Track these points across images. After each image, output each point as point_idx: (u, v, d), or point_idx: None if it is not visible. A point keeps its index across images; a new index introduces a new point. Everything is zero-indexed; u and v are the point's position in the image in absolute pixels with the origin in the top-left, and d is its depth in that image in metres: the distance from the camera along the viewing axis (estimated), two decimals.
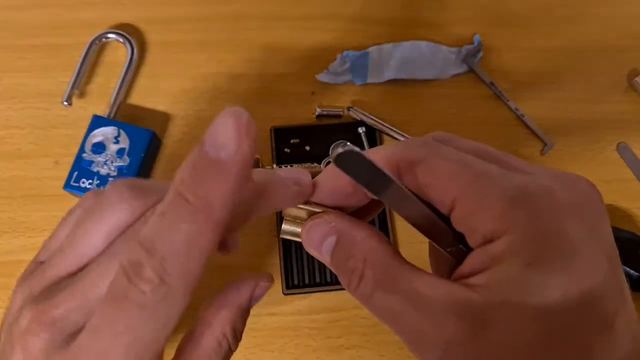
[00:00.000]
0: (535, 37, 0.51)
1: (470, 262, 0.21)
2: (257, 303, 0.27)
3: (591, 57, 0.50)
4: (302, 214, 0.25)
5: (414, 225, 0.23)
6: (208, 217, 0.19)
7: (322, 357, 0.42)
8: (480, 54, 0.50)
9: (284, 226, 0.26)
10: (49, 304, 0.23)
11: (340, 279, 0.24)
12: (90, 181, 0.43)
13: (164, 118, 0.48)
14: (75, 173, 0.43)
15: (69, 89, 0.47)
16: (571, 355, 0.19)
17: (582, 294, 0.19)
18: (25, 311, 0.24)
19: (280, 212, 0.27)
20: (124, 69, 0.48)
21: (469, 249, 0.22)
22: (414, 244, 0.44)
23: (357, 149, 0.22)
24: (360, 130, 0.46)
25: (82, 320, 0.22)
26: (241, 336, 0.27)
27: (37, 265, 0.26)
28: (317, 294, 0.43)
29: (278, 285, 0.43)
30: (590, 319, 0.19)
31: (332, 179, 0.25)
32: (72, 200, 0.45)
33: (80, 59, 0.48)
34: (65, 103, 0.46)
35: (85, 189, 0.43)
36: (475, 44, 0.50)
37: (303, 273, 0.43)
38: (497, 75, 0.49)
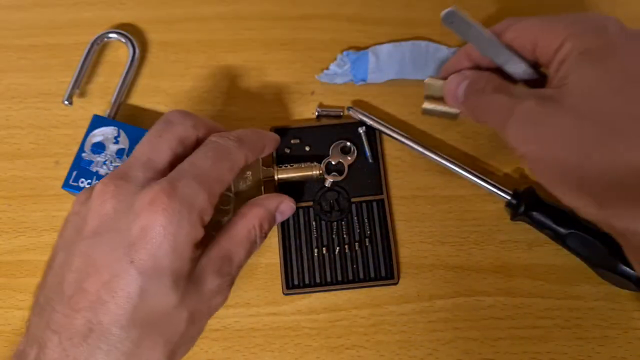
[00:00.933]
0: None
1: (550, 80, 0.32)
2: (279, 218, 0.39)
3: None
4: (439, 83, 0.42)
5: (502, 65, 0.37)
6: (265, 136, 0.41)
7: (322, 357, 0.42)
8: None
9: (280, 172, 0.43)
10: (114, 173, 0.33)
11: (469, 102, 0.37)
12: (89, 181, 0.43)
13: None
14: (75, 172, 0.43)
15: (69, 89, 0.47)
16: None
17: (632, 68, 0.29)
18: (95, 187, 0.33)
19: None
20: (125, 69, 0.48)
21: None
22: (415, 244, 0.44)
23: (452, 8, 0.35)
24: (360, 130, 0.46)
25: (149, 176, 0.32)
26: (266, 235, 0.37)
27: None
28: (317, 294, 0.43)
29: (278, 285, 0.43)
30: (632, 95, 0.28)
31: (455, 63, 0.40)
32: (73, 199, 0.45)
33: (82, 59, 0.48)
34: (66, 102, 0.46)
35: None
36: None
37: (303, 273, 0.43)
38: None
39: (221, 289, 0.33)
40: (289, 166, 0.44)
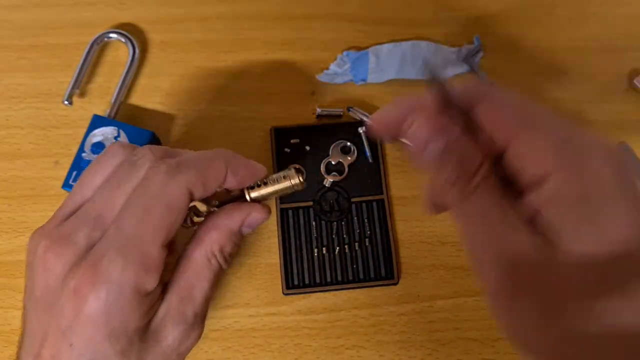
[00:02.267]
0: (535, 37, 0.51)
1: (525, 205, 0.23)
2: (248, 231, 0.33)
3: (591, 57, 0.50)
4: (262, 183, 0.34)
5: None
6: (227, 157, 0.32)
7: (322, 357, 0.42)
8: (480, 54, 0.50)
9: (253, 194, 0.34)
10: (59, 229, 0.29)
11: (444, 171, 0.25)
12: None
13: (164, 118, 0.48)
14: (74, 172, 0.43)
15: (69, 89, 0.47)
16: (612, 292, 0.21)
17: (627, 236, 0.21)
18: (40, 243, 0.29)
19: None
20: (125, 69, 0.48)
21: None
22: (415, 244, 0.44)
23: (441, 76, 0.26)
24: (360, 130, 0.46)
25: (96, 235, 0.28)
26: (231, 258, 0.32)
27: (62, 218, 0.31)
28: (317, 294, 0.43)
29: (278, 285, 0.43)
30: (624, 262, 0.21)
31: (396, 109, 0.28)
32: None
33: (82, 59, 0.48)
34: (66, 102, 0.46)
35: None
36: (476, 44, 0.50)
37: (303, 273, 0.43)
38: (497, 75, 0.49)
39: (189, 332, 0.30)
40: (261, 183, 0.34)
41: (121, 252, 0.27)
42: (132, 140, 0.44)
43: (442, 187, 0.25)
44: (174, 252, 0.32)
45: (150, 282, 0.28)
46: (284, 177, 0.34)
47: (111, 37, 0.50)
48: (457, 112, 0.24)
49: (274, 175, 0.34)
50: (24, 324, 0.30)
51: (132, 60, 0.48)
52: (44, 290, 0.29)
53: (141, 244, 0.28)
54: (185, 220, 0.32)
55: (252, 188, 0.34)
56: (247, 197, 0.33)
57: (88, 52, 0.48)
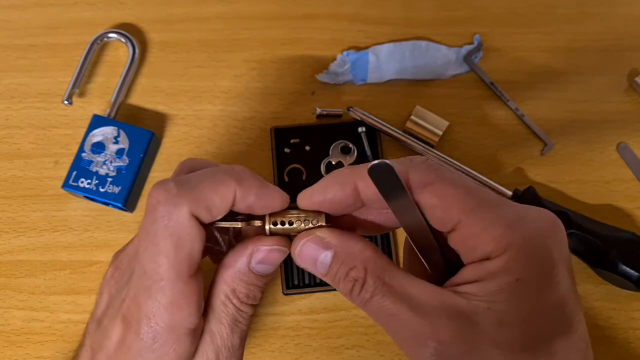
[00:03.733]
0: (535, 37, 0.51)
1: (463, 274, 0.25)
2: (265, 269, 0.29)
3: (591, 57, 0.50)
4: (290, 217, 0.28)
5: (410, 235, 0.26)
6: (235, 178, 0.27)
7: (322, 357, 0.42)
8: (480, 54, 0.50)
9: (272, 227, 0.28)
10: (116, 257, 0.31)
11: (338, 287, 0.26)
12: (89, 181, 0.43)
13: (164, 118, 0.48)
14: (74, 172, 0.43)
15: (69, 89, 0.47)
16: (536, 349, 0.23)
17: (559, 297, 0.23)
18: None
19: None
20: (125, 69, 0.48)
21: (454, 264, 0.26)
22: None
23: (388, 161, 0.24)
24: (360, 130, 0.46)
25: None
26: (249, 300, 0.29)
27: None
28: (317, 294, 0.43)
29: (278, 285, 0.43)
30: (559, 324, 0.23)
31: (334, 189, 0.27)
32: (72, 199, 0.45)
33: (81, 59, 0.48)
34: (66, 102, 0.46)
35: (84, 189, 0.43)
36: (475, 44, 0.50)
37: (303, 273, 0.43)
38: (497, 75, 0.49)
39: None
40: (285, 222, 0.29)
41: (149, 294, 0.26)
42: (132, 140, 0.44)
43: (345, 296, 0.26)
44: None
45: (187, 318, 0.27)
46: (311, 221, 0.28)
47: (111, 37, 0.50)
48: (399, 198, 0.25)
49: (301, 214, 0.28)
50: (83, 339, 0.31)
51: (132, 60, 0.48)
52: (101, 317, 0.29)
53: (164, 283, 0.26)
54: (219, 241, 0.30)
55: (274, 224, 0.29)
56: (266, 229, 0.29)
57: (88, 52, 0.48)
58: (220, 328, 0.28)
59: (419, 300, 0.24)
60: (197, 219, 0.26)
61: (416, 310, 0.24)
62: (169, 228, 0.26)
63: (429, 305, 0.24)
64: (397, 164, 0.25)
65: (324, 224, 0.28)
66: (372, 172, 0.24)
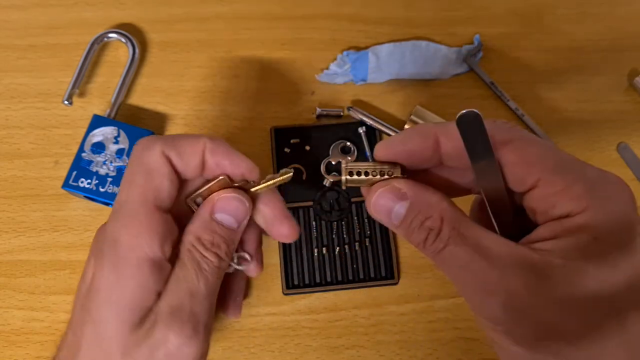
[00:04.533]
0: (535, 37, 0.51)
1: (539, 232, 0.24)
2: (227, 219, 0.30)
3: (591, 57, 0.50)
4: (365, 167, 0.28)
5: (485, 192, 0.26)
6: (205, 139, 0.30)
7: (322, 357, 0.41)
8: (480, 54, 0.50)
9: (348, 177, 0.28)
10: None
11: (411, 238, 0.26)
12: (89, 181, 0.43)
13: (164, 118, 0.48)
14: (74, 172, 0.43)
15: (69, 89, 0.47)
16: (611, 319, 0.22)
17: (632, 272, 0.23)
18: None
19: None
20: (125, 69, 0.48)
21: (524, 226, 0.26)
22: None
23: (476, 111, 0.25)
24: (360, 130, 0.46)
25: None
26: (214, 248, 0.30)
27: None
28: (317, 294, 0.43)
29: (278, 285, 0.43)
30: (634, 294, 0.23)
31: (414, 140, 0.27)
32: (72, 199, 0.45)
33: (82, 59, 0.48)
34: (66, 102, 0.46)
35: (84, 189, 0.43)
36: (475, 44, 0.50)
37: (303, 273, 0.43)
38: (497, 75, 0.49)
39: (180, 341, 0.28)
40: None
41: (115, 218, 0.29)
42: (132, 140, 0.44)
43: (416, 246, 0.26)
44: None
45: (147, 245, 0.28)
46: (387, 172, 0.28)
47: (111, 37, 0.50)
48: (483, 149, 0.25)
49: (377, 166, 0.29)
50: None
51: (132, 60, 0.48)
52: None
53: (131, 208, 0.28)
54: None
55: (350, 174, 0.29)
56: (342, 179, 0.29)
57: (88, 52, 0.48)
58: (185, 273, 0.29)
59: (492, 252, 0.24)
60: (170, 161, 0.29)
61: (489, 260, 0.24)
62: (141, 164, 0.29)
63: (502, 256, 0.24)
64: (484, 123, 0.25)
65: (399, 175, 0.28)
66: (460, 121, 0.24)
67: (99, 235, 0.30)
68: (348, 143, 0.46)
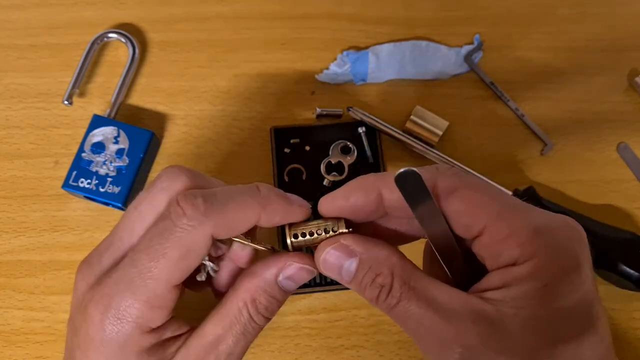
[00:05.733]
0: (535, 37, 0.51)
1: (488, 280, 0.24)
2: (290, 286, 0.29)
3: (591, 57, 0.50)
4: (310, 228, 0.28)
5: (433, 242, 0.26)
6: (261, 202, 0.28)
7: (321, 357, 0.41)
8: (480, 54, 0.50)
9: (293, 240, 0.28)
10: (91, 253, 0.29)
11: (364, 294, 0.26)
12: (89, 181, 0.43)
13: (164, 118, 0.48)
14: (74, 172, 0.43)
15: (69, 89, 0.47)
16: (562, 347, 0.23)
17: (584, 298, 0.24)
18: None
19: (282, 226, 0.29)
20: (125, 69, 0.48)
21: (475, 271, 0.26)
22: (414, 244, 0.44)
23: (415, 169, 0.25)
24: (360, 130, 0.46)
25: (118, 257, 0.28)
26: (267, 313, 0.28)
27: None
28: (317, 294, 0.43)
29: None
30: (584, 324, 0.23)
31: (357, 194, 0.27)
32: (72, 199, 0.45)
33: (82, 59, 0.48)
34: (66, 102, 0.46)
35: (84, 189, 0.43)
36: (475, 44, 0.50)
37: None
38: (497, 75, 0.49)
39: None
40: (306, 233, 0.29)
41: (131, 286, 0.26)
42: (132, 140, 0.44)
43: (370, 302, 0.26)
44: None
45: (155, 320, 0.27)
46: (332, 228, 0.28)
47: (111, 37, 0.50)
48: (426, 204, 0.25)
49: (320, 223, 0.28)
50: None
51: (132, 60, 0.48)
52: (72, 309, 0.29)
53: (150, 282, 0.26)
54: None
55: (295, 237, 0.28)
56: (288, 242, 0.28)
57: (88, 52, 0.48)
58: (227, 335, 0.28)
59: (445, 305, 0.24)
60: (213, 238, 0.27)
61: (442, 314, 0.24)
62: (182, 239, 0.26)
63: (455, 310, 0.24)
64: (424, 172, 0.25)
65: (344, 230, 0.27)
66: (399, 179, 0.24)
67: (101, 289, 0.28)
68: (348, 143, 0.46)
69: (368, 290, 0.26)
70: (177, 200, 0.27)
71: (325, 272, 0.27)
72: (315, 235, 0.28)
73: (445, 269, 0.27)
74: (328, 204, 0.28)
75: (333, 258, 0.26)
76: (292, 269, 0.28)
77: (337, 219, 0.28)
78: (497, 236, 0.24)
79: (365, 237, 0.27)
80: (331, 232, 0.27)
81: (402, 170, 0.24)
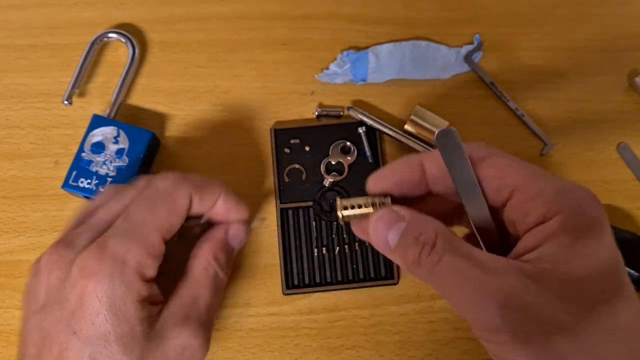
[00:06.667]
0: (535, 37, 0.51)
1: (522, 244, 0.26)
2: (240, 244, 0.38)
3: (591, 57, 0.50)
4: (358, 202, 0.30)
5: (470, 213, 0.28)
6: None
7: (321, 357, 0.42)
8: (480, 54, 0.50)
9: (344, 212, 0.30)
10: (63, 238, 0.32)
11: (407, 254, 0.27)
12: (89, 181, 0.43)
13: (164, 118, 0.48)
14: (74, 172, 0.43)
15: (69, 88, 0.47)
16: (600, 307, 0.24)
17: (611, 260, 0.25)
18: (44, 254, 0.32)
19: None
20: (125, 69, 0.48)
21: (510, 245, 0.27)
22: None
23: (454, 129, 0.28)
24: (360, 130, 0.46)
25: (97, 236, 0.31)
26: (228, 265, 0.36)
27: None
28: (317, 294, 0.43)
29: (278, 285, 0.43)
30: (616, 285, 0.25)
31: (402, 169, 0.30)
32: (72, 200, 0.45)
33: (81, 59, 0.48)
34: (66, 102, 0.46)
35: (84, 189, 0.43)
36: (475, 44, 0.50)
37: (303, 273, 0.43)
38: (497, 75, 0.49)
39: (193, 338, 0.32)
40: (355, 205, 0.31)
41: (127, 234, 0.30)
42: (132, 140, 0.44)
43: (411, 267, 0.27)
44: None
45: (151, 268, 0.31)
46: (378, 203, 0.30)
47: (111, 37, 0.50)
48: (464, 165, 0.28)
49: (368, 198, 0.30)
50: (20, 345, 0.31)
51: (131, 60, 0.48)
52: (48, 291, 0.30)
53: (146, 231, 0.31)
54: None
55: (345, 208, 0.31)
56: (339, 214, 0.31)
57: (88, 52, 0.48)
58: (201, 292, 0.33)
59: (486, 263, 0.25)
60: (190, 203, 0.34)
61: (484, 269, 0.25)
62: (169, 200, 0.33)
63: (495, 267, 0.25)
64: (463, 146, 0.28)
65: (390, 204, 0.29)
66: (439, 136, 0.27)
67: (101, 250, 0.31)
68: (348, 143, 0.46)
69: (411, 249, 0.26)
70: (156, 176, 0.34)
71: (375, 238, 0.28)
72: (364, 207, 0.30)
73: (480, 241, 0.28)
74: (375, 179, 0.30)
75: (383, 222, 0.28)
76: (234, 228, 0.37)
77: (383, 195, 0.30)
78: (526, 196, 0.26)
79: (411, 208, 0.28)
80: (378, 206, 0.30)
81: (440, 128, 0.28)
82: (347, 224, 0.32)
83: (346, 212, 0.30)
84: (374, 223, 0.28)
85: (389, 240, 0.28)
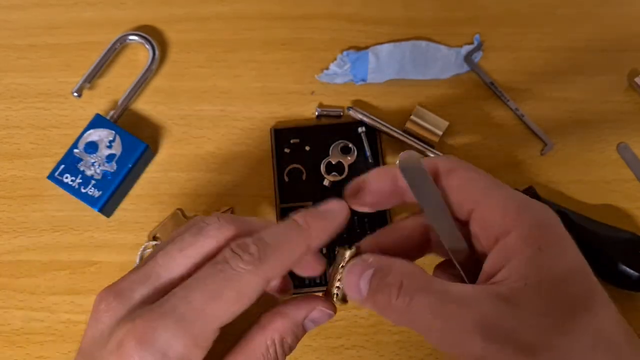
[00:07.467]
0: (535, 37, 0.51)
1: (489, 263, 0.26)
2: (311, 327, 0.31)
3: (591, 57, 0.50)
4: (337, 276, 0.30)
5: (441, 235, 0.28)
6: (307, 237, 0.28)
7: (322, 357, 0.41)
8: (480, 54, 0.50)
9: (337, 295, 0.30)
10: (117, 284, 0.29)
11: (377, 298, 0.27)
12: (72, 178, 0.43)
13: (164, 118, 0.48)
14: (62, 166, 0.43)
15: (81, 82, 0.47)
16: (578, 314, 0.24)
17: (579, 266, 0.25)
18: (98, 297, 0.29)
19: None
20: (143, 71, 0.48)
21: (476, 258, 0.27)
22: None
23: (416, 153, 0.29)
24: (360, 130, 0.46)
25: (151, 293, 0.28)
26: (290, 351, 0.30)
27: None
28: (317, 294, 0.43)
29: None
30: (590, 290, 0.25)
31: (377, 180, 0.30)
32: (72, 200, 0.45)
33: (101, 55, 0.49)
34: (75, 94, 0.47)
35: (66, 185, 0.43)
36: (475, 44, 0.50)
37: None
38: (497, 75, 0.49)
39: None
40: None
41: (181, 322, 0.26)
42: (125, 148, 0.44)
43: (385, 312, 0.27)
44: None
45: (195, 358, 0.27)
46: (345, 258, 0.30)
47: (132, 40, 0.50)
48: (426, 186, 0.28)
49: (337, 268, 0.30)
50: None
51: (151, 62, 0.48)
52: (89, 342, 0.28)
53: (201, 322, 0.26)
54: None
55: (341, 296, 0.30)
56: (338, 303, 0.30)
57: (108, 51, 0.49)
58: None
59: (458, 295, 0.24)
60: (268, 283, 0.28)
61: (458, 303, 0.24)
62: (240, 282, 0.27)
63: (469, 297, 0.24)
64: (427, 159, 0.29)
65: (350, 250, 0.29)
66: (401, 162, 0.28)
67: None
68: (348, 143, 0.46)
69: (380, 293, 0.26)
70: (231, 247, 0.28)
71: (350, 293, 0.28)
72: (340, 270, 0.29)
73: (458, 266, 0.28)
74: (352, 189, 0.30)
75: (353, 274, 0.27)
76: (318, 312, 0.30)
77: (348, 247, 0.29)
78: (488, 208, 0.27)
79: (384, 255, 0.28)
80: (346, 259, 0.29)
81: (402, 153, 0.28)
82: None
83: (341, 295, 0.30)
84: (345, 278, 0.28)
85: (361, 289, 0.27)
